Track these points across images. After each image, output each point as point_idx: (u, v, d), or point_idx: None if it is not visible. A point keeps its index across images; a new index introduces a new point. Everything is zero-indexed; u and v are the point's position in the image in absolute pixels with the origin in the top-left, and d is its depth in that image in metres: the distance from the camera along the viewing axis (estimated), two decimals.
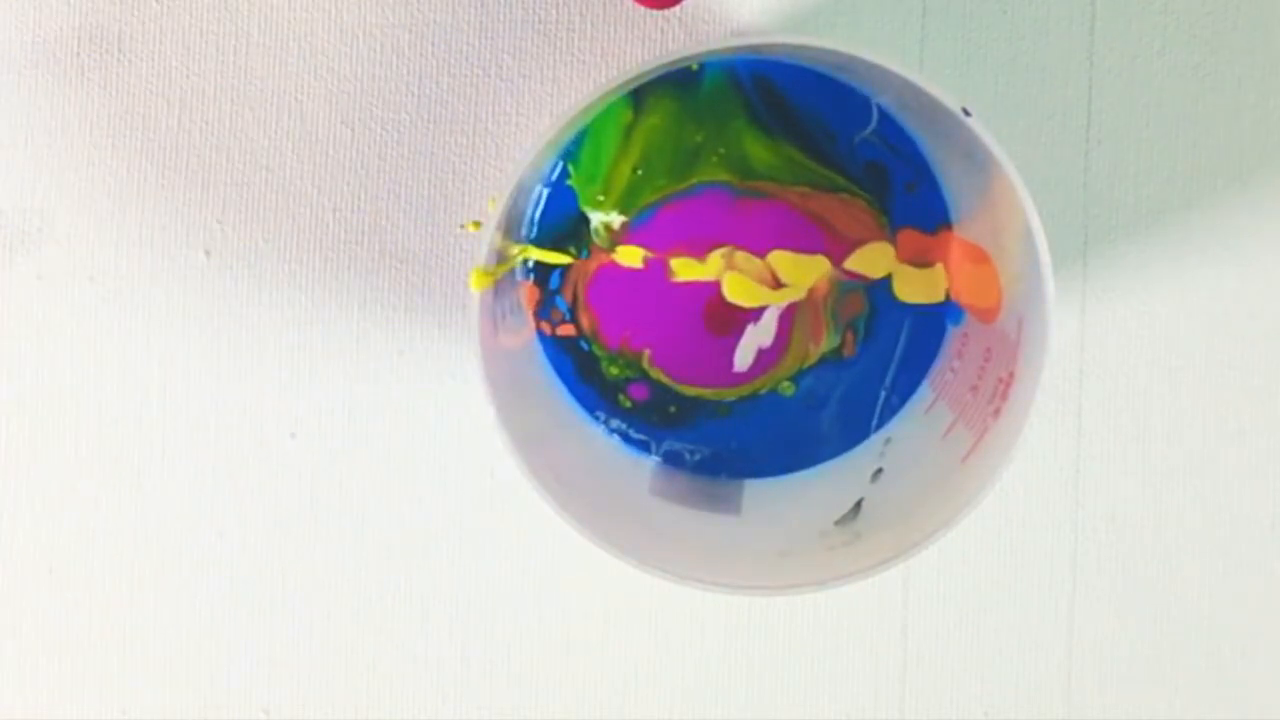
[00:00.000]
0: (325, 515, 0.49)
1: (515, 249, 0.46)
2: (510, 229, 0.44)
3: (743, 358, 0.48)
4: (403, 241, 0.48)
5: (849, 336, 0.47)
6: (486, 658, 0.49)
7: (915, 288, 0.47)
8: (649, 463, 0.47)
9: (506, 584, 0.49)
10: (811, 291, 0.47)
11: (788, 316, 0.47)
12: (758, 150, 0.46)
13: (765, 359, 0.48)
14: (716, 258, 0.47)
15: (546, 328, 0.47)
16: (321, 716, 0.49)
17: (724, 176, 0.47)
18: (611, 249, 0.47)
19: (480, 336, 0.41)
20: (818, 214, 0.47)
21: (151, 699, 0.49)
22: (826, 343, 0.47)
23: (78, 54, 0.48)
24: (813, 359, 0.48)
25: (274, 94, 0.48)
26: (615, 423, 0.48)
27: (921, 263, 0.47)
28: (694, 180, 0.47)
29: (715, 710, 0.49)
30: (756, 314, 0.47)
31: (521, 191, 0.42)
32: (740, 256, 0.47)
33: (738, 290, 0.47)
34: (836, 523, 0.44)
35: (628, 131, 0.46)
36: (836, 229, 0.47)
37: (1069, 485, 0.49)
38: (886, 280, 0.47)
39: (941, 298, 0.47)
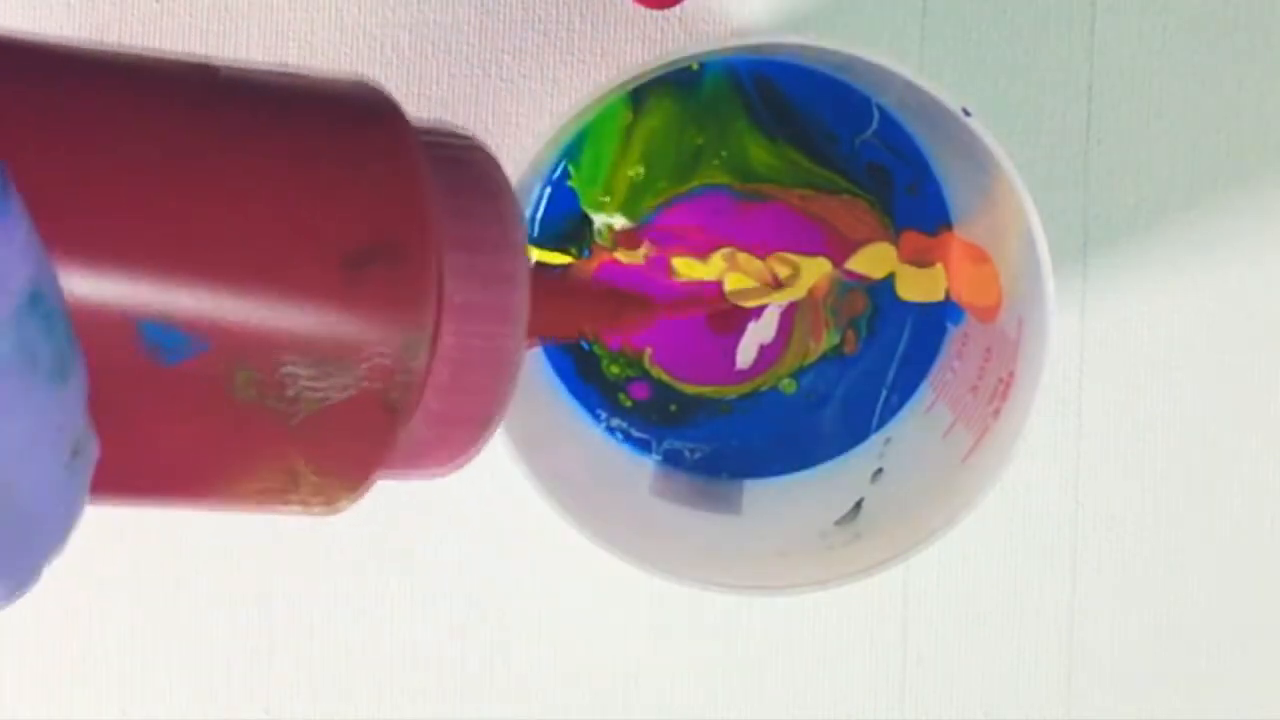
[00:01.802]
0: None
1: None
2: None
3: (744, 355, 0.48)
4: None
5: (850, 335, 0.47)
6: (486, 657, 0.49)
7: (915, 287, 0.47)
8: (649, 463, 0.47)
9: (506, 584, 0.49)
10: (812, 290, 0.47)
11: (789, 314, 0.47)
12: (759, 153, 0.46)
13: (766, 356, 0.48)
14: (718, 258, 0.47)
15: None
16: (321, 716, 0.49)
17: (725, 180, 0.47)
18: (614, 249, 0.47)
19: None
20: (819, 216, 0.47)
21: (151, 699, 0.49)
22: (827, 340, 0.48)
23: None
24: (813, 357, 0.48)
25: None
26: (616, 422, 0.48)
27: (922, 262, 0.47)
28: (695, 183, 0.46)
29: (715, 710, 0.49)
30: (757, 311, 0.47)
31: (522, 191, 0.42)
32: (742, 257, 0.47)
33: (740, 292, 0.47)
34: (836, 523, 0.44)
35: (628, 132, 0.46)
36: (839, 230, 0.47)
37: (1069, 485, 0.49)
38: (889, 279, 0.47)
39: (941, 296, 0.47)
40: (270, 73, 0.32)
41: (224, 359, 0.29)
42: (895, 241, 0.47)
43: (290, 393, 0.30)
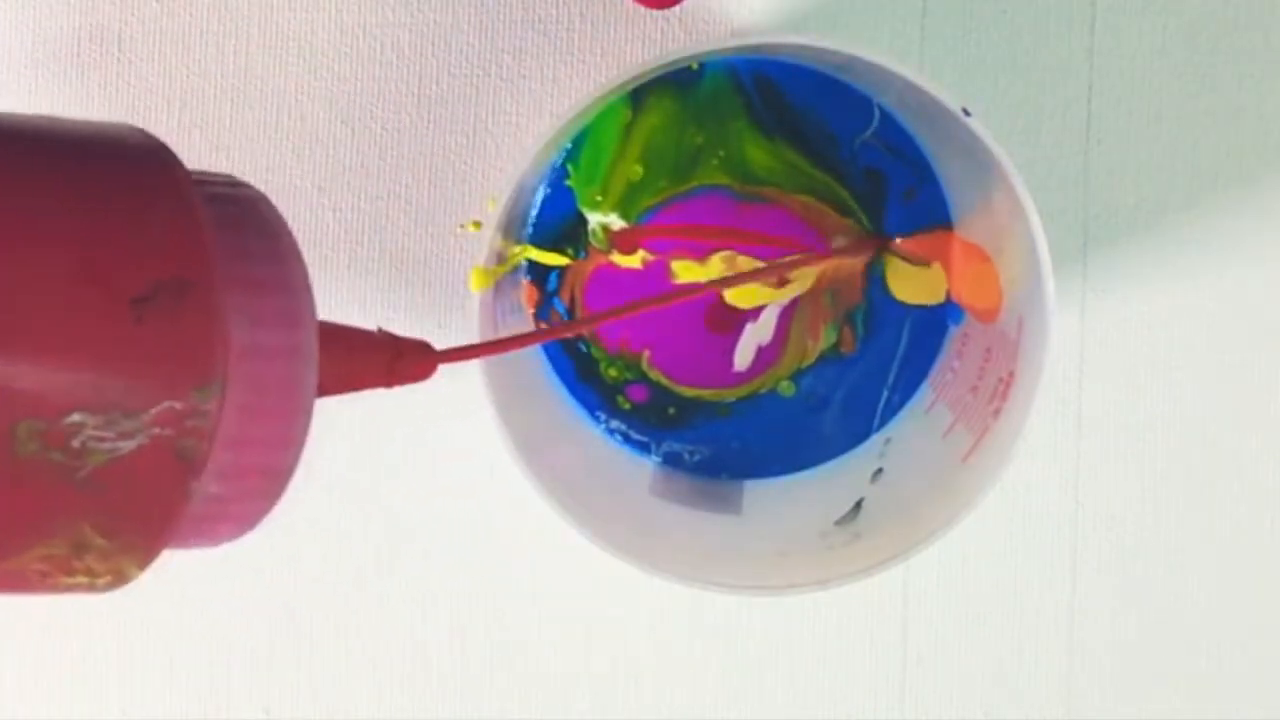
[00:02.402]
0: (324, 515, 0.48)
1: (515, 249, 0.46)
2: (510, 229, 0.44)
3: (742, 357, 0.48)
4: (403, 241, 0.48)
5: (847, 333, 0.47)
6: (486, 658, 0.49)
7: (915, 288, 0.47)
8: (649, 463, 0.47)
9: (506, 584, 0.49)
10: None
11: (787, 313, 0.47)
12: (758, 154, 0.46)
13: (765, 357, 0.48)
14: (717, 261, 0.47)
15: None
16: (321, 716, 0.49)
17: (724, 180, 0.46)
18: (608, 251, 0.47)
19: (480, 337, 0.41)
20: (819, 220, 0.47)
21: (151, 699, 0.49)
22: (825, 339, 0.47)
23: (78, 54, 0.48)
24: (812, 356, 0.48)
25: (274, 94, 0.48)
26: (615, 424, 0.48)
27: (920, 262, 0.47)
28: (694, 183, 0.46)
29: (715, 710, 0.49)
30: (755, 311, 0.47)
31: (521, 191, 0.42)
32: (742, 260, 0.47)
33: (739, 292, 0.47)
34: (836, 523, 0.44)
35: (627, 131, 0.46)
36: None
37: (1069, 485, 0.49)
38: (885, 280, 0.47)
39: (942, 298, 0.47)
40: (33, 119, 0.31)
41: (6, 411, 0.27)
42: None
43: (76, 444, 0.28)
